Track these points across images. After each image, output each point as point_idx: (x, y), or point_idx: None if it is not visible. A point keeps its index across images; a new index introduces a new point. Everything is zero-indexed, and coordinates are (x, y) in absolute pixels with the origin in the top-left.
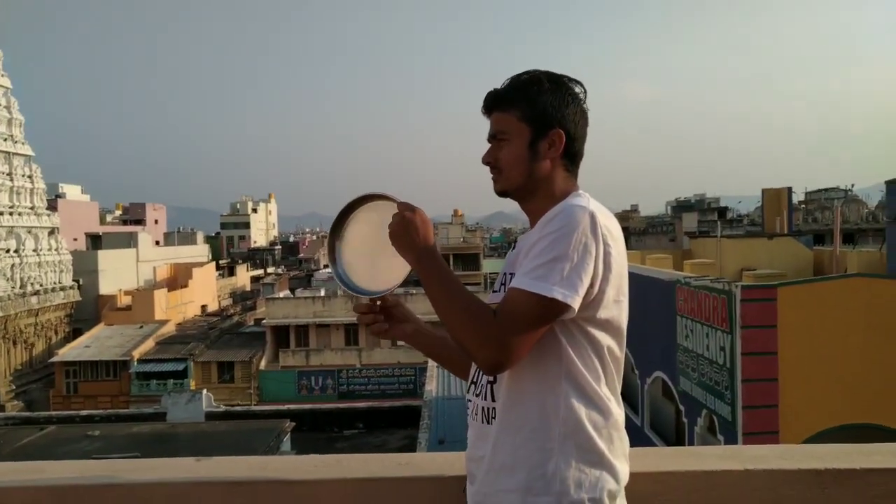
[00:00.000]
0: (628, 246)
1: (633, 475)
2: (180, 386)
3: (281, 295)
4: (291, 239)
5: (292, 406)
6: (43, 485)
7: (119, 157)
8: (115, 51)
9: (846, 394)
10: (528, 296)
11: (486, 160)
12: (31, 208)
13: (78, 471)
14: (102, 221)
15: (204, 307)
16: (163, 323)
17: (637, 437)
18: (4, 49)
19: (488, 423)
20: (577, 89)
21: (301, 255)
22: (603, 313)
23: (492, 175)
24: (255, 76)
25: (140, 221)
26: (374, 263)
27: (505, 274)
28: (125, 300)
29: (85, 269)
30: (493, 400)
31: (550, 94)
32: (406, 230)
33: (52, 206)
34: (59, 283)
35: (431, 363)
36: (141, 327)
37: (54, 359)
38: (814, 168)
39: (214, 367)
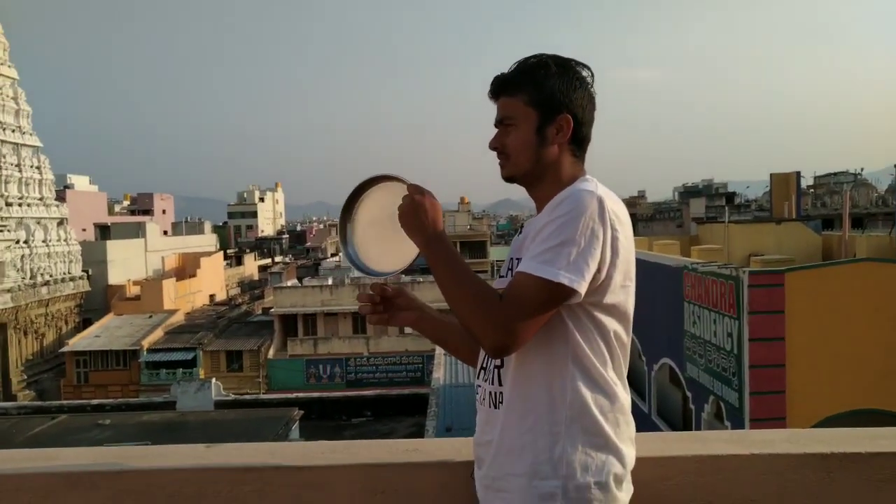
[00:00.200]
0: (636, 232)
1: (638, 460)
2: (189, 375)
3: (289, 284)
4: (298, 228)
5: (300, 394)
6: (57, 471)
7: (127, 147)
8: (123, 41)
9: (854, 380)
10: (535, 280)
11: (493, 145)
12: (40, 199)
13: (91, 457)
14: (111, 212)
15: (212, 296)
16: (172, 312)
17: (644, 424)
18: (11, 40)
19: (496, 407)
20: (585, 73)
21: (308, 243)
22: (610, 298)
23: (499, 160)
24: (263, 66)
25: (148, 212)
26: (384, 244)
27: (512, 259)
28: (134, 290)
29: (94, 259)
30: (501, 384)
31: (558, 78)
32: (415, 213)
33: (60, 197)
34: (69, 273)
35: (439, 351)
36: (150, 317)
37: (65, 349)
38: (823, 152)
39: (223, 355)
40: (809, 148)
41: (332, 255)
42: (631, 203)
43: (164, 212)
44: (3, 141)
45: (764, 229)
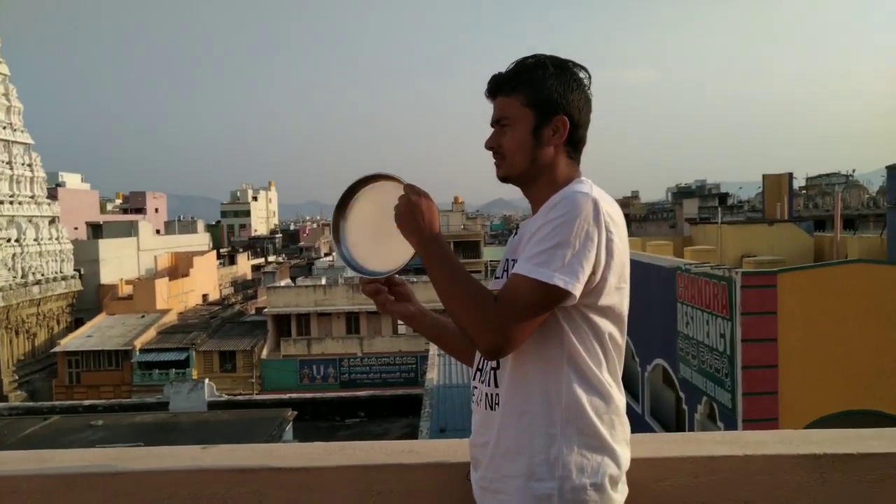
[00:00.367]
0: (629, 233)
1: (633, 461)
2: (182, 375)
3: (282, 283)
4: (292, 227)
5: (294, 395)
6: (52, 473)
7: (119, 145)
8: (115, 38)
9: (846, 380)
10: (530, 282)
11: (489, 145)
12: (32, 197)
13: (86, 459)
14: (103, 210)
15: (205, 296)
16: (164, 312)
17: (638, 425)
18: (3, 36)
19: (492, 409)
20: (582, 75)
21: (302, 243)
22: (605, 300)
23: (494, 160)
24: (255, 64)
25: (140, 210)
26: (379, 244)
27: (507, 260)
28: (126, 289)
29: (86, 258)
30: (497, 386)
31: (555, 79)
32: (411, 213)
33: (52, 195)
34: (61, 272)
35: (432, 351)
36: (142, 317)
37: (56, 349)
38: (815, 153)
39: (216, 356)
40: (801, 149)
41: (326, 255)
42: (624, 203)
43: (156, 210)
44: None
45: (756, 230)
